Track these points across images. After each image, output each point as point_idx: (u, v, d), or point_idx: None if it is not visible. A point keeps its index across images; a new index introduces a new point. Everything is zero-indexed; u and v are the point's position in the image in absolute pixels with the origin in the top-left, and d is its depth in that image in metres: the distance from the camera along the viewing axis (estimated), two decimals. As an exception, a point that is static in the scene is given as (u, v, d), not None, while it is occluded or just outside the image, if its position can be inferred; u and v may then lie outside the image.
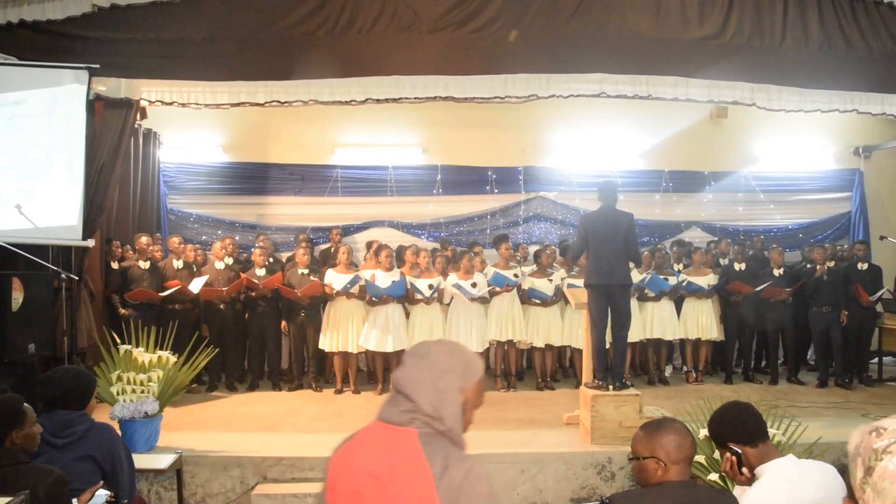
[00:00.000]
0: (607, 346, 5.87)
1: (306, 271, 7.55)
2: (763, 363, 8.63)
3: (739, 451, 2.58)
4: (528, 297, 7.69)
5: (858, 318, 7.90)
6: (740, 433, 2.59)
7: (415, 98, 6.68)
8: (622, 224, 5.79)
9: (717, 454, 3.77)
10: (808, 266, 8.10)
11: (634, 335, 7.37)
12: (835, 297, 7.68)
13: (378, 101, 6.67)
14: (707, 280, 7.99)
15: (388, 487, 1.68)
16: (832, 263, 7.85)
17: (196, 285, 7.24)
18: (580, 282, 7.10)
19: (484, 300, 7.54)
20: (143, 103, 6.66)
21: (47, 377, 3.44)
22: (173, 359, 5.54)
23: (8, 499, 2.51)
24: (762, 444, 2.58)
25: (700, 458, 4.14)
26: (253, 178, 9.54)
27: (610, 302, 5.76)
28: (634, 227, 5.93)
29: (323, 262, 8.30)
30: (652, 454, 2.34)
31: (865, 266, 8.10)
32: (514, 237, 9.48)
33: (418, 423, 1.73)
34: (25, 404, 2.99)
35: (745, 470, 2.58)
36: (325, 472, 1.81)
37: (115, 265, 7.36)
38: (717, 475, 3.95)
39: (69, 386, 3.36)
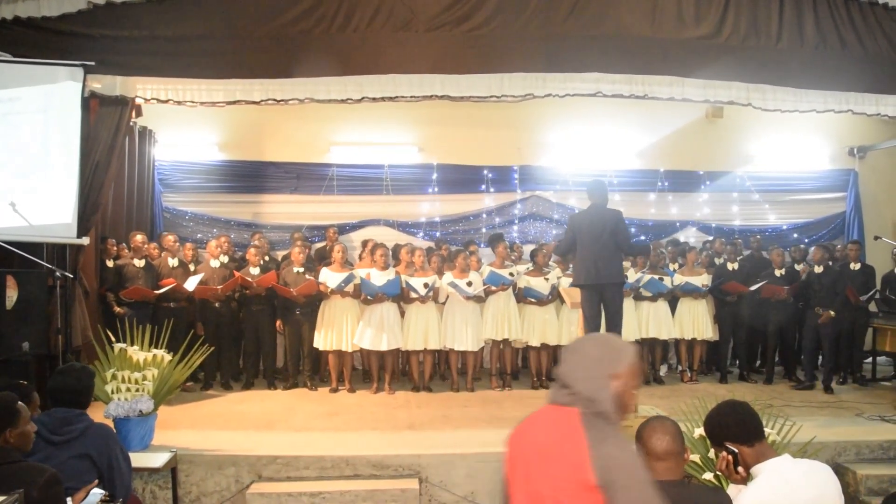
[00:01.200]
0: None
1: (302, 270, 7.54)
2: (758, 363, 8.65)
3: (736, 450, 2.59)
4: (524, 296, 7.69)
5: (851, 318, 7.92)
6: (737, 432, 2.60)
7: (411, 97, 6.67)
8: (609, 222, 5.79)
9: (712, 453, 3.78)
10: (803, 266, 8.11)
11: (629, 335, 7.38)
12: (829, 299, 7.66)
13: (374, 99, 6.65)
14: (702, 280, 8.01)
15: (550, 454, 1.98)
16: (823, 265, 7.82)
17: (191, 283, 7.22)
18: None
19: (479, 299, 7.54)
20: (138, 101, 6.64)
21: (64, 370, 3.53)
22: (168, 357, 5.52)
23: (1, 498, 2.50)
24: (758, 443, 2.59)
25: (695, 457, 4.15)
26: (249, 177, 9.51)
27: (602, 300, 5.77)
28: (623, 223, 5.92)
29: (319, 260, 8.29)
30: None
31: (858, 266, 8.13)
32: (509, 236, 9.49)
33: (579, 404, 2.00)
34: (20, 403, 2.98)
35: (740, 469, 2.59)
36: (506, 448, 2.14)
37: (110, 263, 7.34)
38: (712, 474, 3.95)
39: (82, 385, 3.45)
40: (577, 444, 1.92)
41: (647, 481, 1.92)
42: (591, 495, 1.88)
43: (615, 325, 5.81)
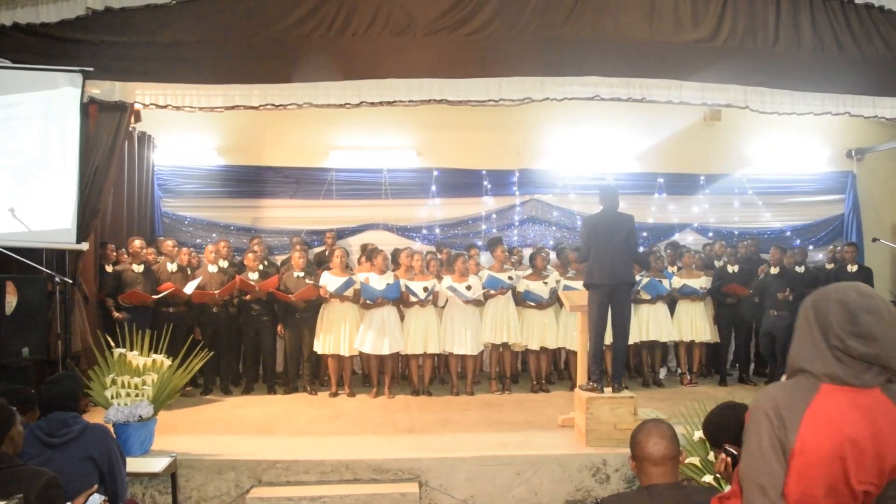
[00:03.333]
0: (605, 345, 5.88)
1: (302, 274, 7.55)
2: (752, 365, 8.64)
3: (735, 451, 2.59)
4: (523, 300, 7.69)
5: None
6: (736, 434, 2.60)
7: (409, 101, 6.69)
8: (623, 225, 5.84)
9: (711, 456, 3.78)
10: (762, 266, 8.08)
11: (629, 337, 7.38)
12: (784, 300, 7.48)
13: (373, 104, 6.67)
14: (700, 283, 8.01)
15: (870, 446, 1.72)
16: (779, 267, 7.82)
17: (189, 288, 7.23)
18: (575, 284, 7.13)
19: (479, 302, 7.54)
20: (137, 106, 6.66)
21: (52, 379, 3.56)
22: (168, 362, 5.53)
23: (1, 502, 2.50)
24: (758, 444, 2.58)
25: (694, 459, 4.15)
26: (248, 181, 9.52)
27: (612, 301, 5.77)
28: (635, 228, 5.96)
29: (318, 264, 8.30)
30: (632, 455, 2.43)
31: (855, 268, 8.13)
32: (508, 240, 9.48)
33: (881, 379, 1.77)
34: (10, 406, 2.99)
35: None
36: (788, 457, 1.76)
37: (109, 269, 7.35)
38: (712, 477, 3.95)
39: (71, 389, 3.50)
40: None
41: None
42: None
43: (623, 326, 5.82)
